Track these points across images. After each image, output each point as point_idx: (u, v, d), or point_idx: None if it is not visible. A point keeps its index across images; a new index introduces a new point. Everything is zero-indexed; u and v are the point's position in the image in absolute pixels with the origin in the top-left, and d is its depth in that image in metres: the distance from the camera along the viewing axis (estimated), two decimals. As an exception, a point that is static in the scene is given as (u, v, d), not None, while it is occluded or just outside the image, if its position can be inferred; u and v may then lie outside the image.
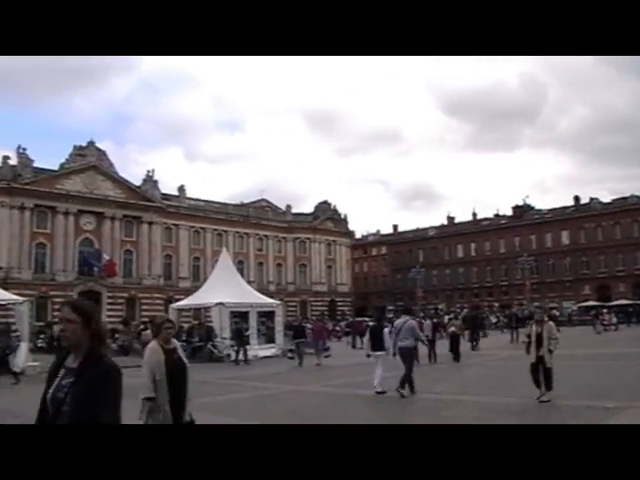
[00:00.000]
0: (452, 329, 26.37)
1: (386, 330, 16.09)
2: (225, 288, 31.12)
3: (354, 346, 37.67)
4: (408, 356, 15.12)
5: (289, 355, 27.46)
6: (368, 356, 16.03)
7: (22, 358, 22.43)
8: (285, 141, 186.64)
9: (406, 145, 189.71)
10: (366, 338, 16.27)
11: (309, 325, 32.18)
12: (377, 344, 15.54)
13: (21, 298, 24.59)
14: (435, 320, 30.76)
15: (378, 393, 15.08)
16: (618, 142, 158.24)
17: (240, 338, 28.51)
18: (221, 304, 29.63)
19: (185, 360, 6.75)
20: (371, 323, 20.98)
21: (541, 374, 12.87)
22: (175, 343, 6.91)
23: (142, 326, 35.31)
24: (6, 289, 59.17)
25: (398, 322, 15.88)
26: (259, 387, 17.45)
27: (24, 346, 22.61)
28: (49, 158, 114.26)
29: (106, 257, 65.94)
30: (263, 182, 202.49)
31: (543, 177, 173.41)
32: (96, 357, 3.44)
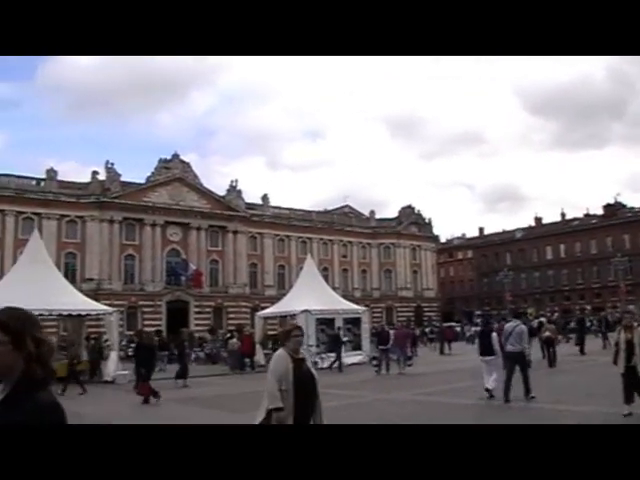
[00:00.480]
0: (547, 334, 25.66)
1: (494, 334, 15.97)
2: (310, 295, 30.90)
3: (442, 352, 36.86)
4: (515, 361, 14.81)
5: (374, 363, 26.83)
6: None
7: (112, 367, 22.70)
8: (367, 147, 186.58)
9: (490, 146, 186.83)
10: (477, 342, 16.54)
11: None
12: (486, 349, 15.59)
13: (111, 308, 25.05)
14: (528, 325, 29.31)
15: (487, 390, 15.16)
16: None
17: (337, 345, 28.51)
18: (307, 311, 29.38)
19: (314, 372, 6.31)
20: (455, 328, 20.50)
21: (634, 386, 11.60)
22: (304, 353, 6.48)
23: (228, 334, 35.39)
24: (97, 300, 61.55)
25: (508, 326, 15.61)
26: (347, 395, 16.89)
27: (114, 355, 22.91)
28: (136, 172, 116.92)
29: (193, 267, 66.90)
30: (346, 189, 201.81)
31: (635, 174, 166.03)
32: (27, 389, 2.51)
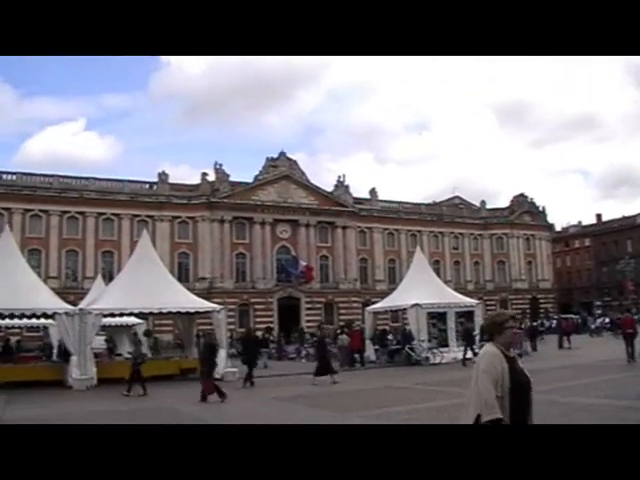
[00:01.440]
0: None
1: None
2: (421, 288, 30.06)
3: (561, 346, 35.21)
4: None
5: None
6: None
7: (221, 364, 22.67)
8: (475, 137, 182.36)
9: (604, 130, 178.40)
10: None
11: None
12: None
13: (219, 306, 25.01)
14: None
15: None
16: None
17: (469, 338, 27.88)
18: (417, 305, 28.59)
19: (528, 373, 4.99)
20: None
21: None
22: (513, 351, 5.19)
23: (338, 330, 34.99)
24: (210, 298, 62.67)
25: None
26: (457, 393, 15.83)
27: (222, 353, 22.86)
28: (245, 173, 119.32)
29: (303, 263, 67.17)
30: (455, 181, 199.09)
31: None
32: None
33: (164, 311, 23.28)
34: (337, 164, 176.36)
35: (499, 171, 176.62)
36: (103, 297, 23.61)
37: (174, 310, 23.40)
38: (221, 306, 25.27)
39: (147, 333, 31.90)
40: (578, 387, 16.07)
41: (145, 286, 22.21)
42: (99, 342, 31.99)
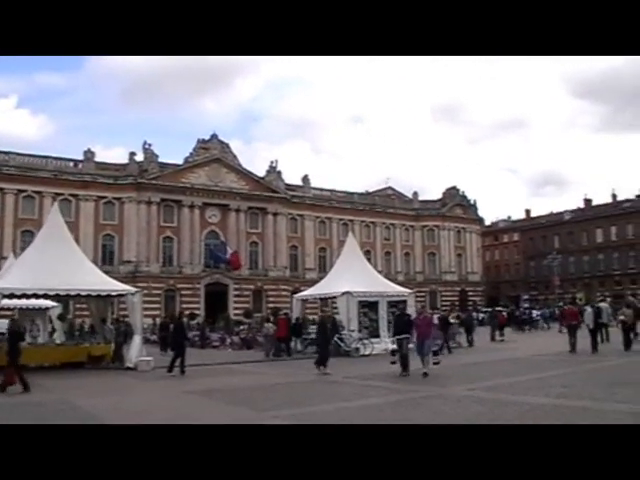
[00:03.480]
0: (622, 318, 25.55)
1: None
2: (352, 276, 28.68)
3: (493, 339, 34.59)
4: None
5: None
6: None
7: (135, 352, 20.94)
8: (410, 132, 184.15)
9: (534, 131, 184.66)
10: None
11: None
12: None
13: (133, 289, 23.04)
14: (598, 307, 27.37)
15: None
16: None
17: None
18: (348, 293, 27.20)
19: None
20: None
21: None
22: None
23: (266, 318, 33.60)
24: (135, 282, 60.67)
25: None
26: (393, 389, 14.58)
27: (137, 339, 21.08)
28: (178, 157, 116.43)
29: (229, 250, 65.53)
30: (389, 174, 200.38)
31: None
32: None
33: (72, 293, 21.18)
34: (273, 153, 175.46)
35: (432, 165, 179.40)
36: (5, 276, 21.55)
37: (83, 293, 21.41)
38: (136, 289, 23.30)
39: (61, 317, 29.85)
40: (525, 383, 14.90)
41: (53, 265, 20.20)
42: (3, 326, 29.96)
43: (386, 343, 27.29)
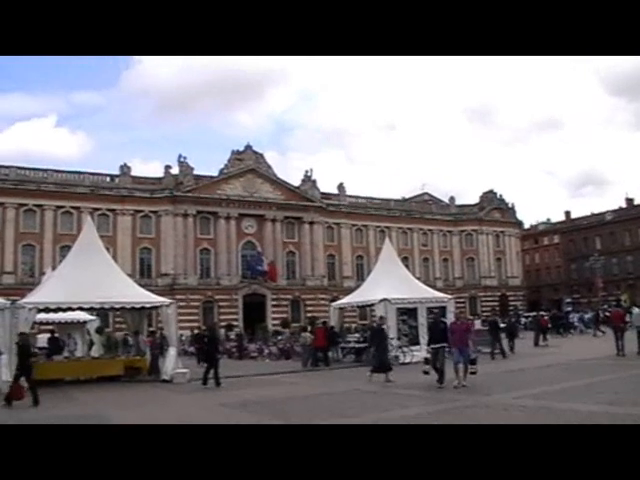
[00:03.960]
0: None
1: None
2: (390, 283, 28.14)
3: (537, 344, 33.73)
4: None
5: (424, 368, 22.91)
6: None
7: (170, 365, 20.68)
8: (444, 137, 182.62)
9: (570, 132, 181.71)
10: None
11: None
12: None
13: (168, 300, 22.79)
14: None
15: None
16: None
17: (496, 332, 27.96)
18: (386, 300, 26.65)
19: None
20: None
21: None
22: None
23: (305, 327, 33.27)
24: (173, 295, 60.89)
25: None
26: (435, 399, 13.76)
27: (172, 351, 20.85)
28: (213, 169, 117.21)
29: (265, 260, 65.44)
30: (425, 179, 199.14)
31: None
32: None
33: (106, 306, 21.09)
34: (307, 163, 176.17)
35: (468, 170, 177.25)
36: (40, 290, 21.51)
37: (117, 305, 21.30)
38: (171, 300, 23.07)
39: (99, 330, 29.75)
40: (573, 390, 14.24)
41: (87, 278, 20.08)
42: (43, 340, 30.02)
43: (425, 351, 26.82)
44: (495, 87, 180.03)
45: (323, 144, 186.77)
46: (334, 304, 32.90)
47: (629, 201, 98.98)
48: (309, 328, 30.43)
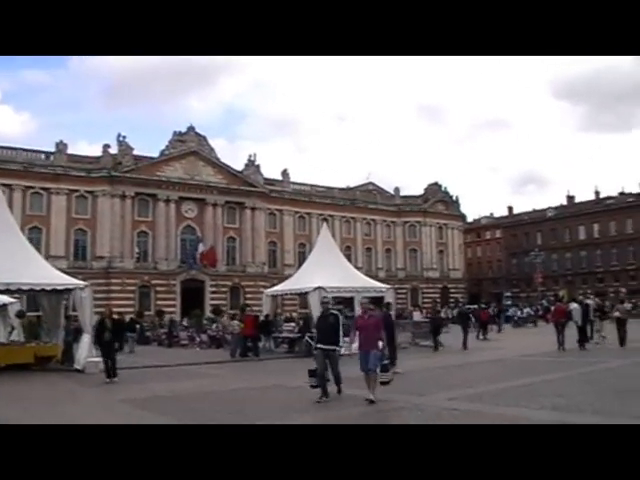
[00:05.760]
0: (617, 314, 25.60)
1: None
2: (326, 270, 26.95)
3: (478, 337, 33.01)
4: None
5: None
6: None
7: (84, 353, 19.21)
8: (394, 131, 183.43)
9: (516, 131, 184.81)
10: None
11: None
12: None
13: (82, 282, 21.20)
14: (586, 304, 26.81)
15: None
16: None
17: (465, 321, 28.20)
18: (321, 288, 25.35)
19: None
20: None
21: None
22: None
23: (234, 315, 31.92)
24: (109, 278, 59.03)
25: None
26: (359, 398, 12.05)
27: (86, 339, 19.33)
28: (155, 151, 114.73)
29: (201, 246, 63.83)
30: (371, 170, 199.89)
31: None
32: None
33: (12, 287, 19.47)
34: (257, 151, 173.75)
35: (415, 164, 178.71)
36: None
37: (25, 287, 19.62)
38: (85, 282, 21.43)
39: (20, 314, 27.92)
40: (513, 391, 13.12)
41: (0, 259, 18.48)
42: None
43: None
44: (446, 86, 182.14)
45: (273, 133, 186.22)
46: (267, 291, 31.61)
47: (570, 199, 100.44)
48: (239, 316, 29.01)
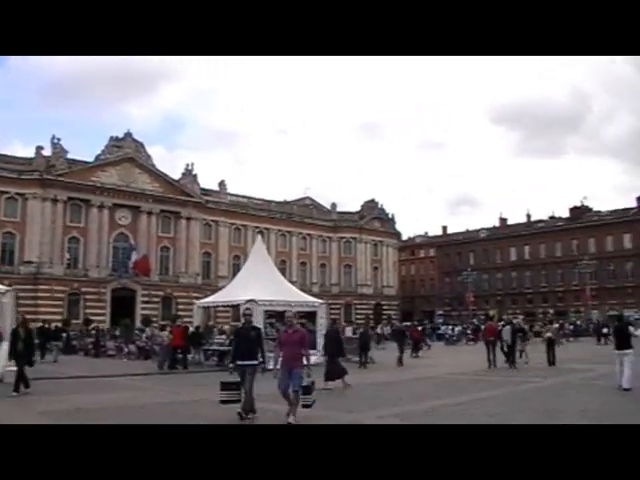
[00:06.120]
0: (548, 334, 26.57)
1: (631, 328, 16.85)
2: (259, 283, 26.73)
3: (411, 355, 32.98)
4: None
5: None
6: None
7: (1, 362, 18.44)
8: (334, 146, 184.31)
9: (452, 153, 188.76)
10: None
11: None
12: (623, 342, 16.13)
13: (4, 287, 20.39)
14: (515, 325, 27.66)
15: (626, 390, 15.61)
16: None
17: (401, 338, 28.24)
18: (253, 301, 25.13)
19: None
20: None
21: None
22: None
23: (163, 326, 31.37)
24: (37, 284, 57.32)
25: None
26: (282, 414, 11.30)
27: (5, 347, 18.54)
28: (91, 156, 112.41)
29: (135, 255, 62.69)
30: (310, 185, 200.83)
31: (592, 185, 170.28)
32: None
33: None
34: (195, 161, 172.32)
35: (353, 182, 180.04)
36: None
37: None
38: (6, 287, 20.63)
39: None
40: (442, 410, 13.11)
41: None
42: None
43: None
44: (387, 105, 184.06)
45: (213, 143, 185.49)
46: (198, 302, 31.14)
47: (503, 221, 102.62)
48: (169, 328, 28.42)
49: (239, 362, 12.01)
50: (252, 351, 11.92)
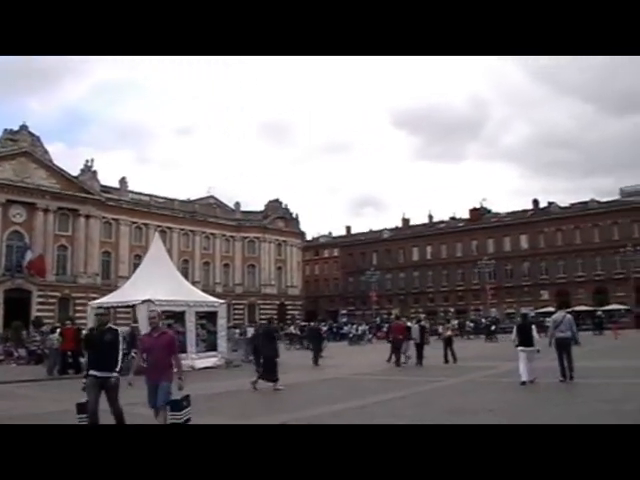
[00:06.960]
0: (449, 333, 27.13)
1: (534, 327, 17.81)
2: (156, 282, 25.73)
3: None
4: (565, 345, 17.01)
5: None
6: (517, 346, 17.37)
7: None
8: (236, 148, 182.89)
9: (356, 155, 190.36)
10: (514, 335, 18.00)
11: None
12: (526, 340, 17.15)
13: None
14: (422, 324, 28.38)
15: (523, 383, 16.31)
16: (561, 156, 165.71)
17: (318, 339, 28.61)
18: (149, 301, 24.17)
19: None
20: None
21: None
22: None
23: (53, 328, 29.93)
24: None
25: (557, 316, 17.97)
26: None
27: None
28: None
29: (30, 254, 60.16)
30: (213, 184, 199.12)
31: (490, 188, 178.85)
32: None
33: None
34: (98, 159, 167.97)
35: (257, 182, 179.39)
36: None
37: None
38: None
39: None
40: (346, 414, 12.64)
41: None
42: None
43: (192, 360, 25.07)
44: (290, 106, 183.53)
45: (116, 141, 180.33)
46: (92, 303, 29.89)
47: (405, 221, 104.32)
48: (58, 330, 27.07)
49: (92, 372, 9.55)
50: (109, 358, 9.49)
